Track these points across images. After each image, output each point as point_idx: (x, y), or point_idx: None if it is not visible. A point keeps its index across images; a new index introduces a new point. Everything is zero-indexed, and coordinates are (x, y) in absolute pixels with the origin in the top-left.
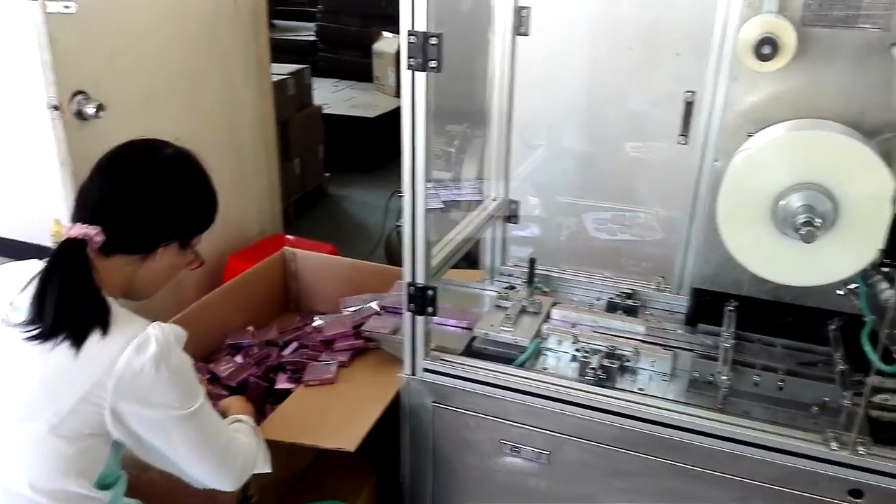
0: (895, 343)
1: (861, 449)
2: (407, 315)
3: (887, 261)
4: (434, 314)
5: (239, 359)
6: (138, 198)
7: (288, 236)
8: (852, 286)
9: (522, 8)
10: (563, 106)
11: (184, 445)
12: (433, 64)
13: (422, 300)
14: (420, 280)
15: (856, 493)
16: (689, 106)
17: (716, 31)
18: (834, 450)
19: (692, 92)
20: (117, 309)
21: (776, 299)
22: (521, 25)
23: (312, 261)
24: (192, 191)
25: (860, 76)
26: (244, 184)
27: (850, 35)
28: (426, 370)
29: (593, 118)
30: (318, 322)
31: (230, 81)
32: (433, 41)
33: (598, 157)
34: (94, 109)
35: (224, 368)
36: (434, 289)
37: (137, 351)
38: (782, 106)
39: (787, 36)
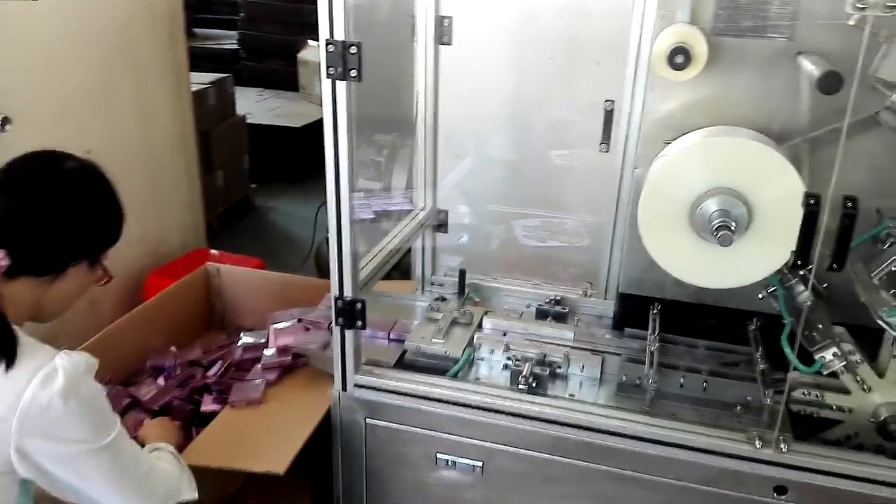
0: (812, 344)
1: (783, 446)
2: (336, 329)
3: (799, 262)
4: (364, 328)
5: (161, 381)
6: (45, 216)
7: (212, 251)
8: (771, 289)
9: (444, 17)
10: (490, 114)
11: (100, 479)
12: (353, 73)
13: (351, 314)
14: (348, 293)
15: (780, 489)
16: (609, 114)
17: (632, 42)
18: (758, 448)
19: (612, 101)
20: (23, 338)
21: (698, 302)
22: (443, 35)
23: (238, 276)
24: (101, 204)
25: (770, 84)
26: (163, 197)
27: (759, 44)
28: (357, 385)
29: (519, 126)
30: (244, 340)
31: (146, 92)
32: (353, 50)
33: (525, 164)
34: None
35: (146, 392)
36: (363, 302)
37: (44, 384)
38: (697, 114)
39: (699, 45)
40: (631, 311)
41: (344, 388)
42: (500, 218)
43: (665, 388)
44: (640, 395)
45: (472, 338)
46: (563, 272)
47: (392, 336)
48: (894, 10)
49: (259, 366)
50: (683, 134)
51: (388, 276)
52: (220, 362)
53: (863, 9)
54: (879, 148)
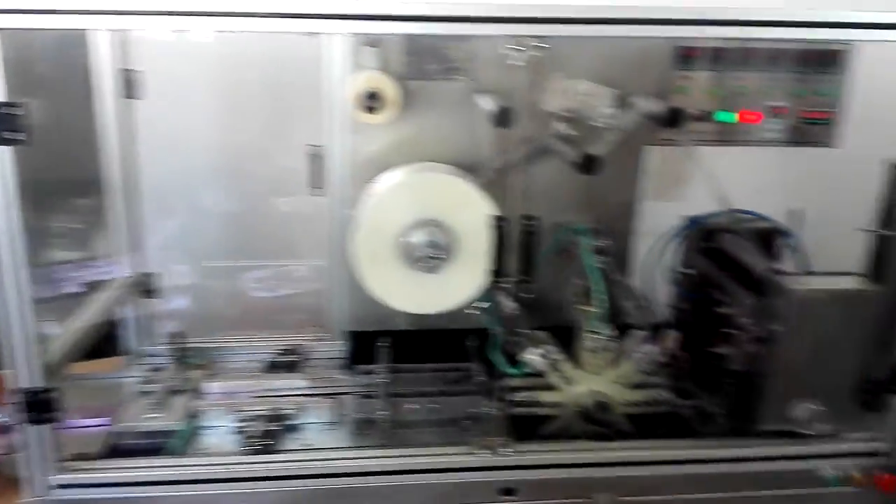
0: (519, 350)
1: (505, 450)
2: (22, 427)
3: (498, 280)
4: (58, 419)
5: None
6: None
7: None
8: (481, 305)
9: (130, 70)
10: (204, 167)
11: None
12: (17, 136)
13: (40, 406)
14: (34, 383)
15: (508, 491)
16: (316, 159)
17: (329, 88)
18: (483, 456)
19: (318, 146)
20: None
21: (422, 328)
22: (131, 89)
23: None
24: None
25: (458, 121)
26: None
27: (446, 86)
28: (58, 487)
29: (238, 177)
30: None
31: None
32: (13, 111)
33: (250, 215)
34: None
35: None
36: (55, 390)
37: None
38: (399, 153)
39: (389, 90)
40: (361, 348)
41: (41, 493)
42: (224, 273)
43: (399, 416)
44: (375, 430)
45: (193, 406)
46: (296, 319)
47: (99, 422)
48: (544, 49)
49: None
50: (387, 173)
51: (95, 355)
52: None
53: (518, 49)
54: (550, 169)
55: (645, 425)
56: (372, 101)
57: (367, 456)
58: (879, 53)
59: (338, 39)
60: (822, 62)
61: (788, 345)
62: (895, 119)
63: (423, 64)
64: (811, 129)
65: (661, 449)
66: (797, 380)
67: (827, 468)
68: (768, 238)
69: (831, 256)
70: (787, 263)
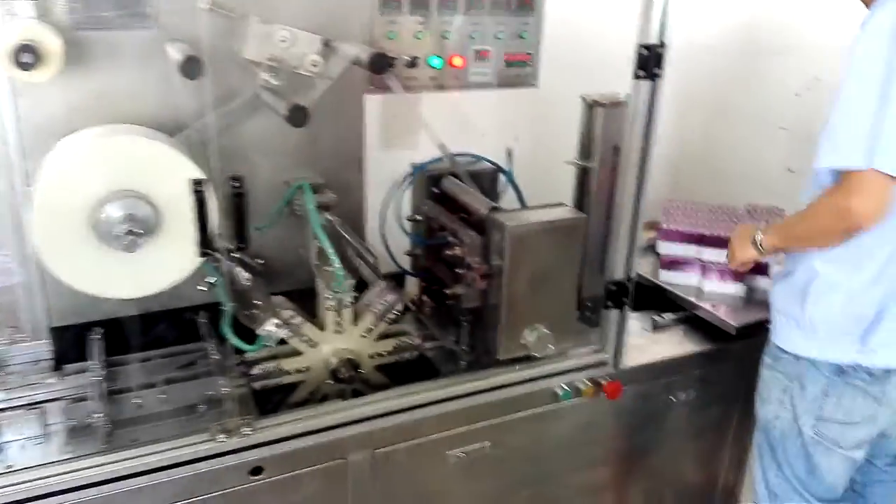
0: (255, 322)
1: (246, 429)
2: None
3: (207, 251)
4: None
5: None
6: None
7: None
8: (212, 280)
9: None
10: None
11: None
12: None
13: None
14: None
15: (256, 470)
16: None
17: None
18: (223, 441)
19: None
20: None
21: (144, 312)
22: None
23: None
24: None
25: (149, 76)
26: None
27: (130, 36)
28: None
29: None
30: None
31: None
32: None
33: None
34: None
35: None
36: None
37: None
38: (81, 115)
39: (50, 42)
40: (71, 345)
41: None
42: None
43: (121, 415)
44: (92, 436)
45: None
46: None
47: None
48: None
49: None
50: (67, 139)
51: None
52: None
53: None
54: (269, 125)
55: (397, 373)
56: (26, 55)
57: (83, 467)
58: None
59: None
60: (519, 5)
61: (512, 277)
62: (582, 58)
63: (96, 11)
64: (514, 70)
65: (410, 395)
66: (525, 308)
67: (560, 384)
68: (489, 178)
69: (548, 189)
70: (505, 200)
